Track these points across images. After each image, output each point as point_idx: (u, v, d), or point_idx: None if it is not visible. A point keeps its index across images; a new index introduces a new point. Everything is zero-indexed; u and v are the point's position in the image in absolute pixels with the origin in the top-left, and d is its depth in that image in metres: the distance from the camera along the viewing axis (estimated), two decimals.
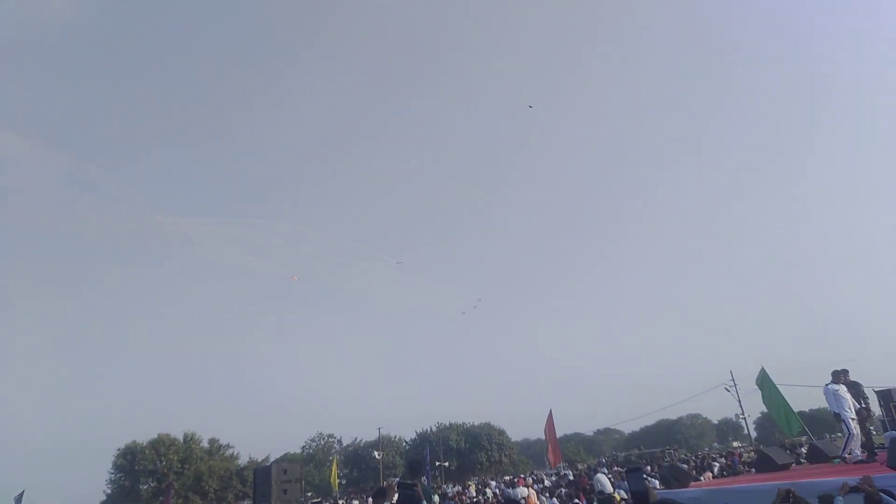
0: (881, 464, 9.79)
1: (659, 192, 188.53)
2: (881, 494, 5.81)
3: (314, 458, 79.44)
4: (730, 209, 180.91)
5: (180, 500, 63.06)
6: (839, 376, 12.22)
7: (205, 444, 71.16)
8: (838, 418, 11.74)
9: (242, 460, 72.12)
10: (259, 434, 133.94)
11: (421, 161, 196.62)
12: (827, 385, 12.08)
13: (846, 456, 11.66)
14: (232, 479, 66.43)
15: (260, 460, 68.25)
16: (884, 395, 16.52)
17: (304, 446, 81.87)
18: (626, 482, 18.73)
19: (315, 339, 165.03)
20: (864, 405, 12.55)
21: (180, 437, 68.39)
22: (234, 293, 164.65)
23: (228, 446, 73.92)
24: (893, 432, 12.68)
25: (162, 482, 62.29)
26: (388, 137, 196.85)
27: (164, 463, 64.15)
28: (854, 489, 6.23)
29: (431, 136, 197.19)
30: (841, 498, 6.00)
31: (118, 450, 64.79)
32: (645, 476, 21.53)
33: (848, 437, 11.58)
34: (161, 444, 65.44)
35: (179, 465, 64.87)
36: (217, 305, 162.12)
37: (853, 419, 11.61)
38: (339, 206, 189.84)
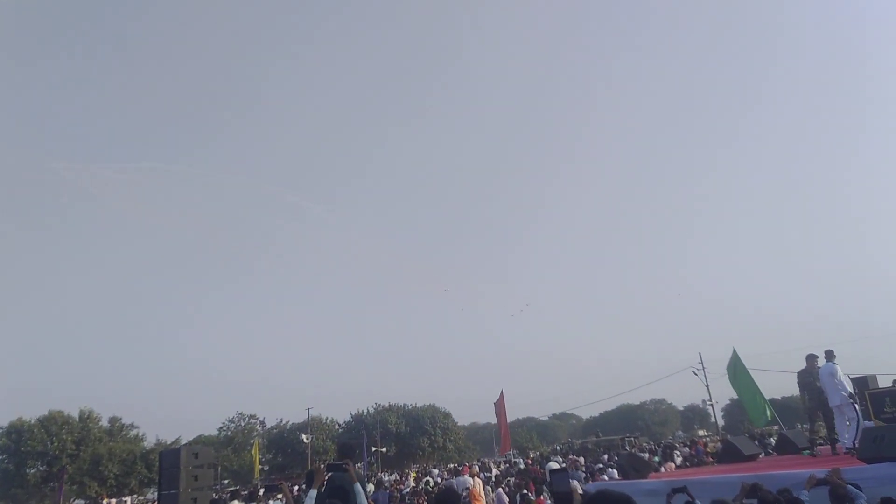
0: (853, 455, 10.33)
1: (634, 175, 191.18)
2: (848, 487, 6.11)
3: (233, 441, 78.87)
4: (701, 199, 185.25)
5: (75, 487, 62.10)
6: (832, 356, 12.66)
7: (104, 422, 70.18)
8: (848, 401, 12.12)
9: (148, 442, 71.43)
10: (169, 413, 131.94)
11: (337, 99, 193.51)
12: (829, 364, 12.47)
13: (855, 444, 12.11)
14: (136, 464, 65.44)
15: (169, 443, 67.52)
16: (860, 383, 17.14)
17: (221, 428, 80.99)
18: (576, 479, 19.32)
19: (236, 305, 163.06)
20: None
21: (75, 415, 67.14)
22: (139, 249, 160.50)
23: (132, 426, 73.16)
24: (867, 422, 13.37)
25: (53, 466, 61.20)
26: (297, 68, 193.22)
27: (55, 444, 62.84)
28: (822, 482, 6.53)
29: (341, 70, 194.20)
30: (806, 492, 6.29)
31: (1, 428, 63.14)
32: (601, 466, 22.27)
33: (857, 423, 12.04)
34: (52, 423, 63.98)
35: (74, 447, 63.67)
36: (120, 264, 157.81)
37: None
38: (254, 146, 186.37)
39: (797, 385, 13.68)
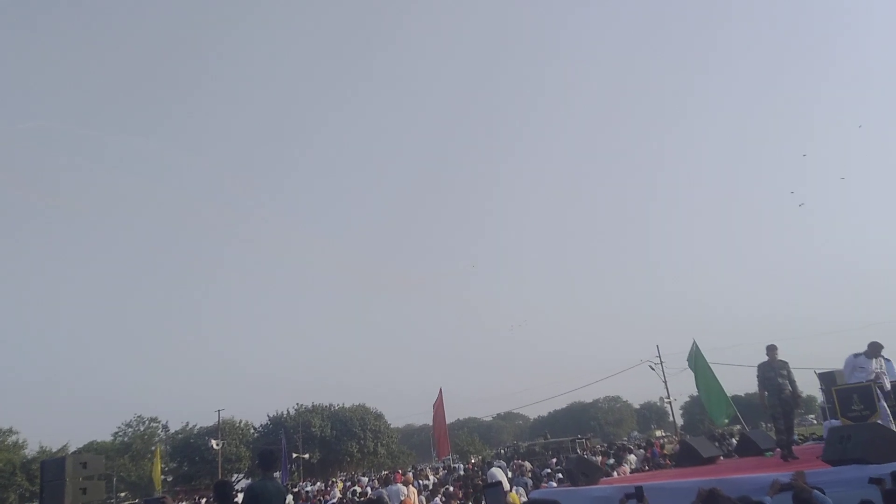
0: (817, 457, 10.68)
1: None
2: (812, 492, 6.30)
3: (130, 448, 77.64)
4: (666, 187, 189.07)
5: None
6: (877, 349, 12.91)
7: None
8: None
9: (31, 450, 69.70)
10: (55, 416, 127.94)
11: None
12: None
13: None
14: (15, 475, 63.98)
15: (55, 451, 65.99)
16: (826, 378, 17.43)
17: (116, 433, 79.77)
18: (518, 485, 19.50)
19: (134, 293, 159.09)
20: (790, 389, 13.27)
21: None
22: (23, 230, 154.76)
23: (11, 431, 70.92)
24: (834, 421, 13.82)
25: None
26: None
27: None
28: (786, 487, 6.72)
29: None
30: (769, 498, 6.46)
31: None
32: (549, 470, 22.57)
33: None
34: None
35: None
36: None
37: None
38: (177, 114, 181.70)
39: (756, 380, 13.50)
